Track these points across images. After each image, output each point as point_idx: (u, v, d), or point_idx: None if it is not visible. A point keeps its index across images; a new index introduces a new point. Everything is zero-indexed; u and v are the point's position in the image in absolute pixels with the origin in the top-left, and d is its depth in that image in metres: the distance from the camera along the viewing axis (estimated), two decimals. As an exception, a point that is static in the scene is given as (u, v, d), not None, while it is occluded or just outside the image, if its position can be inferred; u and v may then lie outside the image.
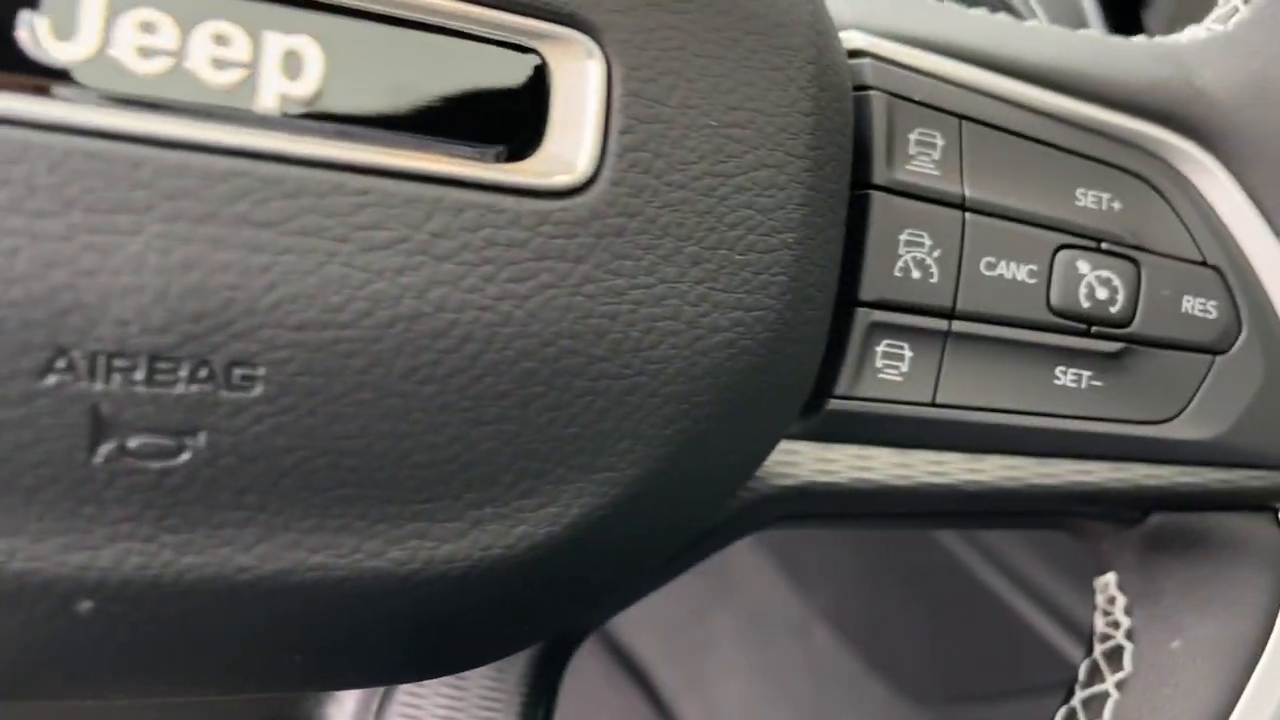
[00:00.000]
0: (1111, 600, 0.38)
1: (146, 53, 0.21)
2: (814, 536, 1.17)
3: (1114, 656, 0.37)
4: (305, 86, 0.22)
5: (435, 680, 0.35)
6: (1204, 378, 0.34)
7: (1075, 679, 0.38)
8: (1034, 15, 0.58)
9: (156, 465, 0.22)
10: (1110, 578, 0.38)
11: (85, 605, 0.22)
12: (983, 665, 1.06)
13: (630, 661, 1.30)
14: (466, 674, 0.35)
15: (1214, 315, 0.34)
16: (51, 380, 0.21)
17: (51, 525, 0.21)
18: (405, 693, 0.35)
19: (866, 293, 0.31)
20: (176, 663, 0.24)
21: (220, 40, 0.22)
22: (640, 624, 1.30)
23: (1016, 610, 0.93)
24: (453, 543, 0.24)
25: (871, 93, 0.31)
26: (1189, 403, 0.34)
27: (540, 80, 0.25)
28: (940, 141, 0.31)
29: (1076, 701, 0.37)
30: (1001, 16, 0.34)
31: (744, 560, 1.30)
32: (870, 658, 1.22)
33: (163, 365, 0.21)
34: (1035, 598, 0.91)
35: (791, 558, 1.26)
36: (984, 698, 1.06)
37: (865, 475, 0.32)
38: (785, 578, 1.27)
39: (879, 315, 0.31)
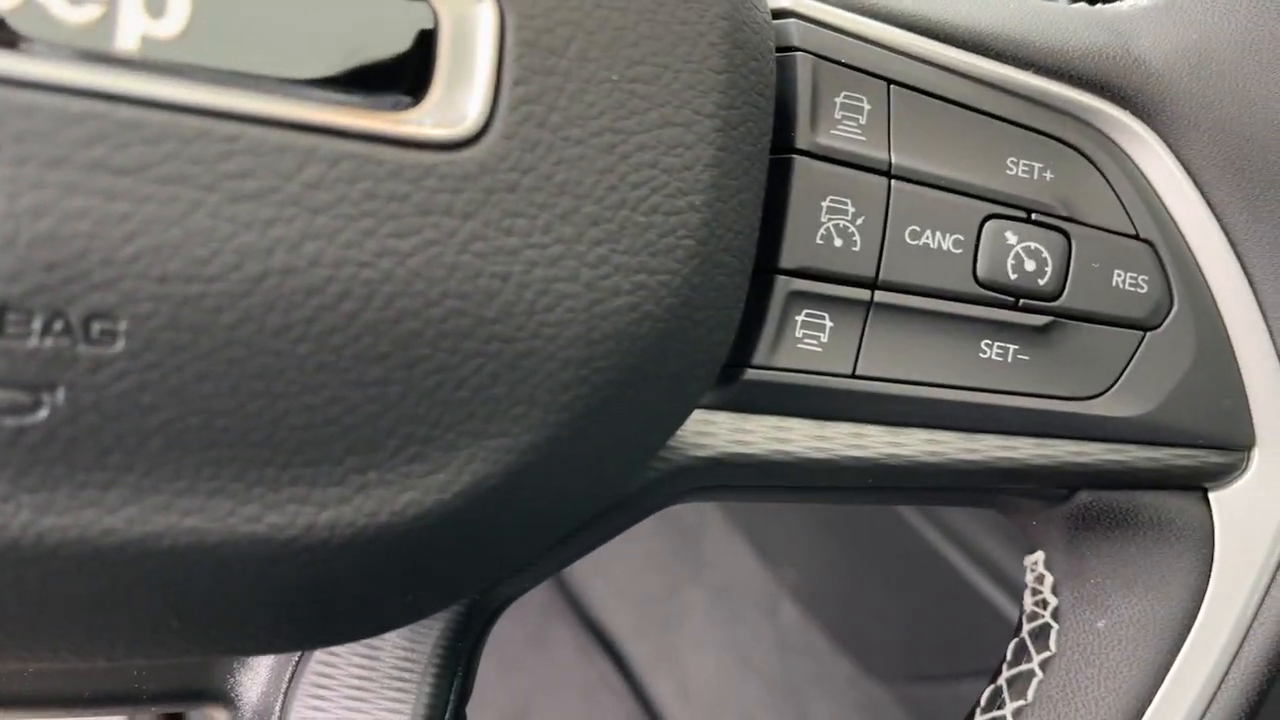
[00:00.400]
0: (1040, 579, 0.37)
1: None
2: (785, 515, 1.17)
3: (1040, 635, 0.36)
4: (169, 26, 0.22)
5: (347, 647, 0.34)
6: (1133, 354, 0.33)
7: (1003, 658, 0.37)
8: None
9: (11, 422, 0.21)
10: (1039, 556, 0.37)
11: None
12: (948, 645, 1.06)
13: (602, 635, 1.30)
14: (379, 642, 0.34)
15: (1145, 290, 0.33)
16: None
17: None
18: (318, 661, 0.34)
19: (787, 260, 0.30)
20: (42, 628, 0.23)
21: None
22: (612, 598, 1.30)
23: (982, 591, 0.93)
24: (334, 508, 0.24)
25: (796, 54, 0.30)
26: (1117, 379, 0.33)
27: (426, 27, 0.24)
28: (867, 106, 0.30)
29: (1002, 680, 0.37)
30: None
31: (715, 537, 1.30)
32: (838, 635, 1.22)
33: (13, 316, 0.20)
34: (1001, 580, 0.91)
35: (762, 535, 1.26)
36: (948, 677, 1.06)
37: (783, 447, 0.31)
38: (756, 555, 1.27)
39: (799, 284, 0.30)
